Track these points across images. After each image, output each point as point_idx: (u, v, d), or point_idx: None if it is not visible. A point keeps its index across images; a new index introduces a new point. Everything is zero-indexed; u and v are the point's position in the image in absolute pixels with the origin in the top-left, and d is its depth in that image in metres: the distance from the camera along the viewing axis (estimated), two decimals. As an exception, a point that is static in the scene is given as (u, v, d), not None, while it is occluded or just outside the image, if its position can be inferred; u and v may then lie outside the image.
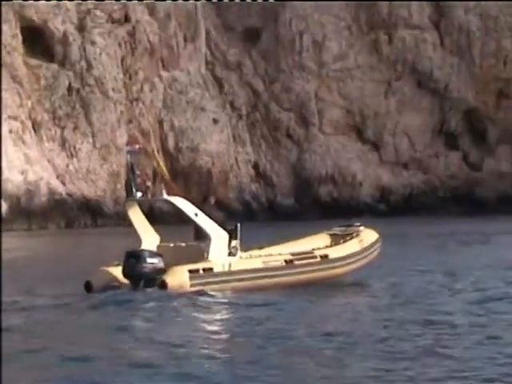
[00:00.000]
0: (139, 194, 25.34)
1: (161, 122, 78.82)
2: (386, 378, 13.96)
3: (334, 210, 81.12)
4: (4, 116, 68.52)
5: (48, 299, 23.93)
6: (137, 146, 28.92)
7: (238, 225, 25.47)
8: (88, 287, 24.02)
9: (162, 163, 28.28)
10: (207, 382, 13.92)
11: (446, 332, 18.49)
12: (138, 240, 24.89)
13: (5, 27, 70.84)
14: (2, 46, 70.41)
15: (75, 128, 72.92)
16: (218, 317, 21.88)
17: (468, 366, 14.76)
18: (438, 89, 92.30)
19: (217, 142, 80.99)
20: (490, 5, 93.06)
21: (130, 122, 76.29)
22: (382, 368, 14.61)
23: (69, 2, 75.51)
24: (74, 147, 72.38)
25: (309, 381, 14.09)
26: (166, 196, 25.65)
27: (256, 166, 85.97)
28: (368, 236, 27.82)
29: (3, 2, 70.40)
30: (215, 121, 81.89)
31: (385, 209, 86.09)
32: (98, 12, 76.53)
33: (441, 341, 17.25)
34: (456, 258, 38.47)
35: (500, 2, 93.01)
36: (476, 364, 14.94)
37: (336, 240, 27.44)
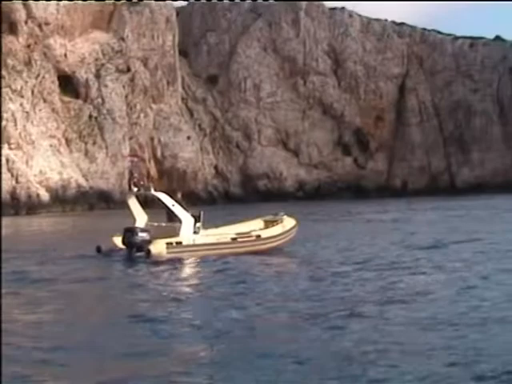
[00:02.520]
0: (135, 189, 25.26)
1: (152, 139, 77.41)
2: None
3: (268, 196, 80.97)
4: (47, 135, 67.28)
5: (73, 253, 24.89)
6: (135, 158, 28.57)
7: (201, 212, 24.97)
8: (98, 250, 24.24)
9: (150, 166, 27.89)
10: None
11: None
12: (133, 220, 24.92)
13: (46, 75, 69.60)
14: (45, 89, 69.43)
15: (94, 143, 71.48)
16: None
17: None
18: (336, 115, 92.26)
19: (189, 152, 79.97)
20: (370, 58, 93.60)
21: (131, 138, 74.84)
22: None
23: (88, 58, 74.36)
24: (94, 156, 71.00)
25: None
26: (153, 191, 25.33)
27: (216, 168, 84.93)
28: (288, 222, 27.11)
29: None
30: (188, 138, 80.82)
31: (302, 195, 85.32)
32: (109, 65, 75.25)
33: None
34: (347, 225, 38.87)
35: (378, 57, 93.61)
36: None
37: (267, 225, 26.94)
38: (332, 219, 45.25)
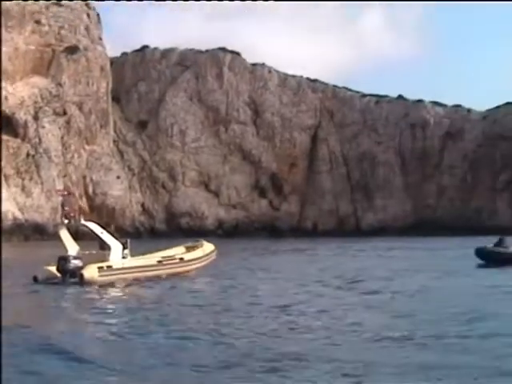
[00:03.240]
0: (66, 221, 25.65)
1: (84, 177, 78.62)
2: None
3: (190, 233, 79.69)
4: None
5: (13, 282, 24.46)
6: (65, 192, 30.14)
7: (128, 240, 26.24)
8: (35, 279, 24.27)
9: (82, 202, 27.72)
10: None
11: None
12: (65, 249, 25.20)
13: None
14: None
15: (30, 179, 72.58)
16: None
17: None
18: (254, 161, 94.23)
19: (119, 190, 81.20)
20: (286, 110, 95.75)
21: (64, 176, 75.96)
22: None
23: (28, 100, 75.84)
24: (30, 191, 71.99)
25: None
26: (83, 221, 26.14)
27: (143, 205, 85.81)
28: (208, 247, 28.79)
29: None
30: (118, 177, 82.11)
31: (221, 233, 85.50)
32: (46, 108, 76.64)
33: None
34: (263, 260, 41.19)
35: (294, 110, 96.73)
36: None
37: (188, 250, 28.31)
38: (250, 255, 47.30)
